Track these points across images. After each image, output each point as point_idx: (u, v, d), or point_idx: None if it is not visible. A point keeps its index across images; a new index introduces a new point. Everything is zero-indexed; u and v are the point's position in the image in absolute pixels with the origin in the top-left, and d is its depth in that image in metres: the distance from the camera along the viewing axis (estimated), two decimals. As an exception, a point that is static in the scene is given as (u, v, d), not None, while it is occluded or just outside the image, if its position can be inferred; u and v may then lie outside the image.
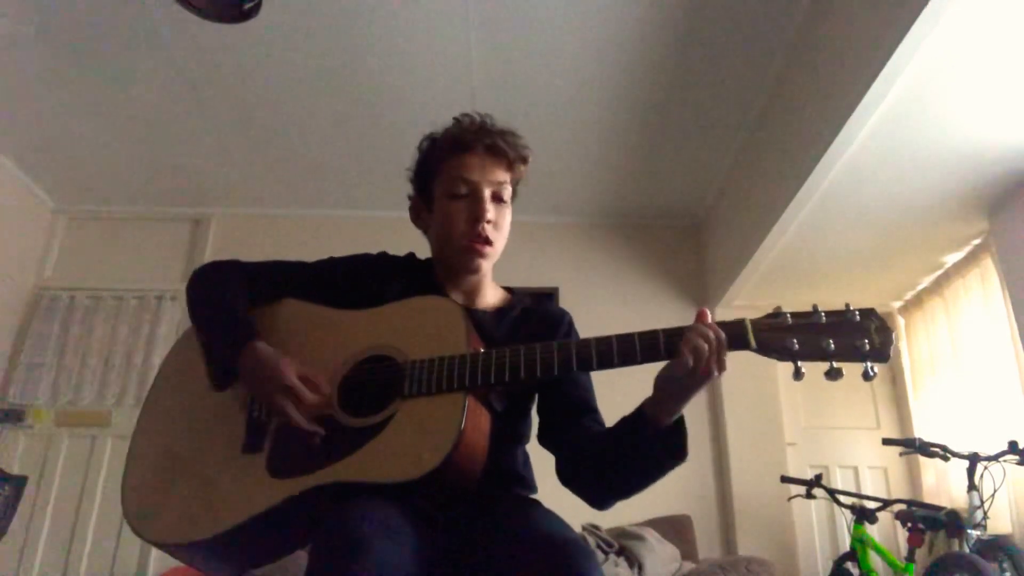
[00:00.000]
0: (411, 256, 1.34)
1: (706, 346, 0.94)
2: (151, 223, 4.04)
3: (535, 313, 1.29)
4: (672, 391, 0.98)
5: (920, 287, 3.90)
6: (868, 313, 0.95)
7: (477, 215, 1.19)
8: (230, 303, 1.17)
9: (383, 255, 1.31)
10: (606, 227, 4.14)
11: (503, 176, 1.22)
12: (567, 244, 4.10)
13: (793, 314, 0.97)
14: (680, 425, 1.02)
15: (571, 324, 1.29)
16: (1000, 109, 2.47)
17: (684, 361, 0.93)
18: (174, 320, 3.78)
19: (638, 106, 3.17)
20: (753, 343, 0.96)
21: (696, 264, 4.12)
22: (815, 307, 0.97)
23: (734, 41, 2.77)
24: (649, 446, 1.02)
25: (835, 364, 0.94)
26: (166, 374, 1.23)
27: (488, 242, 1.20)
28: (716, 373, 0.94)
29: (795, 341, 0.95)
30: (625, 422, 1.07)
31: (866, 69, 2.20)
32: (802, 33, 2.69)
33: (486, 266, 1.24)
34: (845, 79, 2.37)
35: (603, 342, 1.01)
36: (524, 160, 1.24)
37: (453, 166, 1.21)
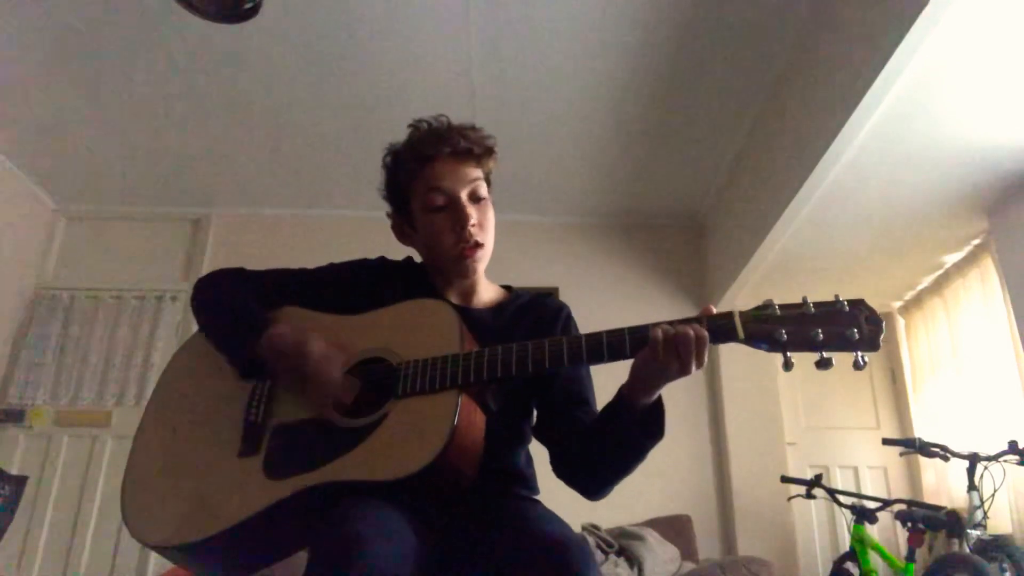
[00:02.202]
0: (409, 260, 1.34)
1: (673, 329, 0.96)
2: (151, 223, 4.04)
3: (533, 307, 1.29)
4: (648, 376, 1.00)
5: (920, 287, 3.91)
6: (857, 303, 0.96)
7: (461, 222, 1.19)
8: (242, 300, 1.19)
9: (381, 260, 1.32)
10: (606, 227, 4.14)
11: (475, 173, 1.22)
12: (567, 244, 4.10)
13: (782, 305, 0.98)
14: (658, 405, 1.04)
15: (569, 316, 1.29)
16: (999, 109, 2.48)
17: (655, 337, 0.96)
18: (174, 320, 3.78)
19: (639, 106, 3.16)
20: (741, 334, 0.96)
21: (696, 264, 4.11)
22: (804, 298, 0.98)
23: (734, 41, 2.77)
24: (629, 429, 1.04)
25: (825, 354, 0.94)
26: (168, 378, 1.24)
27: (478, 245, 1.20)
28: (693, 338, 0.95)
29: (784, 332, 0.95)
30: (605, 409, 1.09)
31: (866, 69, 2.20)
32: (802, 33, 2.69)
33: (480, 268, 1.24)
34: (845, 79, 2.36)
35: (593, 338, 1.02)
36: (491, 151, 1.24)
37: (424, 179, 1.20)
